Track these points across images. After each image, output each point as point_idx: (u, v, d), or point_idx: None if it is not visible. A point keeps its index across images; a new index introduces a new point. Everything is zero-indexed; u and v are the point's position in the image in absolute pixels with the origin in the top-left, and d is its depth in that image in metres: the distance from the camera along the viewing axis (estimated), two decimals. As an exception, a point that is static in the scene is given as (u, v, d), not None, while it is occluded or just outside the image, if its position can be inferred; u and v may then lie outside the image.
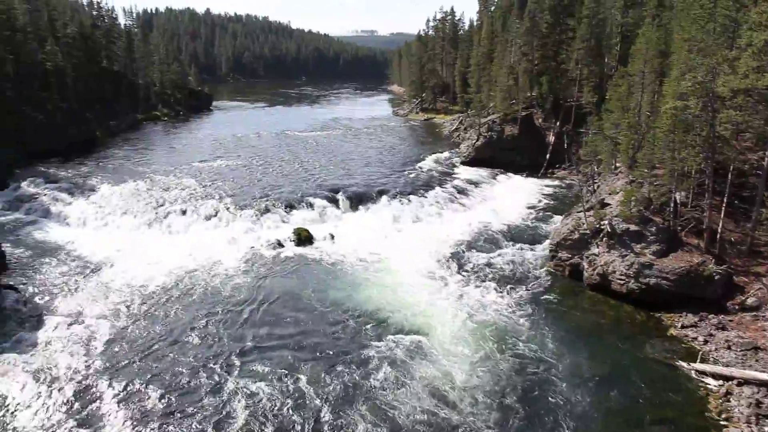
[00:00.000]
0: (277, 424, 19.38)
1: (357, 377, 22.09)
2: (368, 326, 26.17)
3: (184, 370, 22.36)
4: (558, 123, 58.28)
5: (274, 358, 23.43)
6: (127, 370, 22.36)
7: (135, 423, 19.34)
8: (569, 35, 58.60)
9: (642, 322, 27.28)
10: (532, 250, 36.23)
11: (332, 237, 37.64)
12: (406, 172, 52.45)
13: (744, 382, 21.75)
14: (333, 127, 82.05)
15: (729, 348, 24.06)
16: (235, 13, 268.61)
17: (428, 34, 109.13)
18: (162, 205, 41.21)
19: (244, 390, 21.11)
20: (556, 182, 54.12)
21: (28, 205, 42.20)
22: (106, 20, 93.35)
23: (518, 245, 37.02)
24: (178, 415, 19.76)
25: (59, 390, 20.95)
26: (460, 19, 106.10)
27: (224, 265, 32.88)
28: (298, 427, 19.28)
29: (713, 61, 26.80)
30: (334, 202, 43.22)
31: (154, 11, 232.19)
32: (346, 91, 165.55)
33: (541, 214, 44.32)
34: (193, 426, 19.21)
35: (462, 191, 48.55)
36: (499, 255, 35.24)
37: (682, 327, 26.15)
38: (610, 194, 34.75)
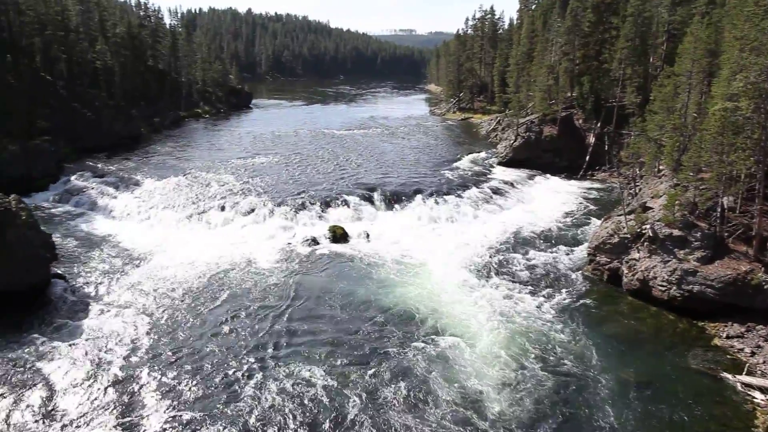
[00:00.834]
0: (309, 419, 19.62)
1: (390, 376, 22.14)
2: (402, 326, 26.20)
3: (219, 363, 22.90)
4: (599, 124, 56.88)
5: (308, 353, 23.72)
6: (165, 359, 23.05)
7: (171, 412, 19.91)
8: (612, 34, 57.10)
9: (684, 330, 26.39)
10: (569, 253, 35.53)
11: (367, 235, 37.82)
12: (442, 172, 52.19)
13: (794, 397, 20.82)
14: (370, 126, 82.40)
15: (778, 361, 23.05)
16: (276, 13, 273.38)
17: (467, 33, 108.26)
18: (202, 200, 42.30)
19: (278, 384, 21.46)
20: (596, 184, 52.91)
21: (76, 198, 44.00)
22: (153, 20, 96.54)
23: (555, 248, 36.38)
24: (213, 405, 20.24)
25: (101, 376, 21.76)
26: (500, 18, 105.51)
27: (260, 261, 33.49)
28: (330, 423, 19.48)
29: (767, 61, 25.69)
30: (370, 200, 43.41)
31: (198, 11, 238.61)
32: (383, 90, 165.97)
33: (579, 216, 43.41)
34: (227, 417, 19.65)
35: (498, 192, 48.01)
36: (535, 257, 34.70)
37: (728, 337, 25.17)
38: (652, 198, 33.73)
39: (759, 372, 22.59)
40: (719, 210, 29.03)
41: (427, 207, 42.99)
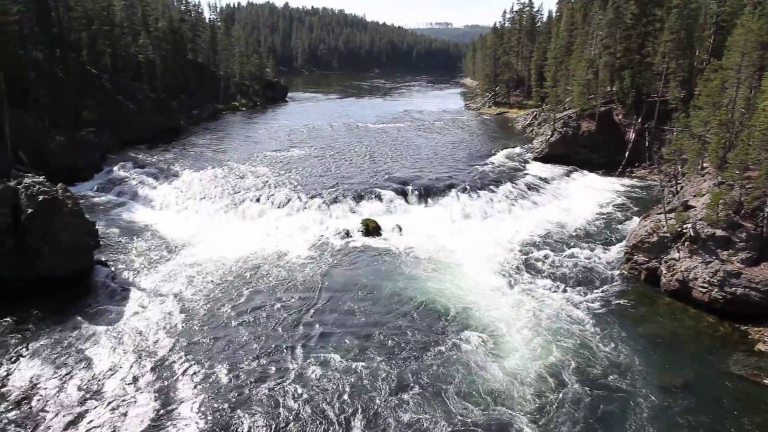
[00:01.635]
0: (339, 411, 19.84)
1: (421, 371, 22.16)
2: (434, 320, 26.18)
3: (252, 351, 23.36)
4: (639, 119, 55.20)
5: (339, 345, 23.96)
6: (199, 347, 23.67)
7: (206, 398, 20.44)
8: (656, 26, 55.18)
9: (725, 334, 25.48)
10: (605, 251, 34.74)
11: (400, 229, 37.84)
12: (476, 167, 51.66)
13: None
14: (404, 120, 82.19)
15: (826, 369, 22.04)
16: (312, 7, 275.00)
17: (504, 26, 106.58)
18: (238, 192, 43.07)
19: (308, 376, 21.76)
20: (635, 182, 51.46)
21: (118, 188, 45.45)
22: (193, 14, 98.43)
23: (591, 245, 35.63)
24: (244, 393, 20.69)
25: (140, 361, 22.52)
26: (538, 11, 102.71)
27: (294, 252, 33.95)
28: (360, 416, 19.65)
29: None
30: (403, 194, 43.36)
31: (236, 6, 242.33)
32: (418, 84, 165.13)
33: (616, 214, 42.34)
34: (260, 404, 20.05)
35: (533, 188, 47.25)
36: (570, 255, 34.07)
37: (772, 342, 24.18)
38: (694, 196, 32.60)
39: (805, 380, 21.67)
40: (766, 210, 27.88)
41: (460, 202, 42.66)
